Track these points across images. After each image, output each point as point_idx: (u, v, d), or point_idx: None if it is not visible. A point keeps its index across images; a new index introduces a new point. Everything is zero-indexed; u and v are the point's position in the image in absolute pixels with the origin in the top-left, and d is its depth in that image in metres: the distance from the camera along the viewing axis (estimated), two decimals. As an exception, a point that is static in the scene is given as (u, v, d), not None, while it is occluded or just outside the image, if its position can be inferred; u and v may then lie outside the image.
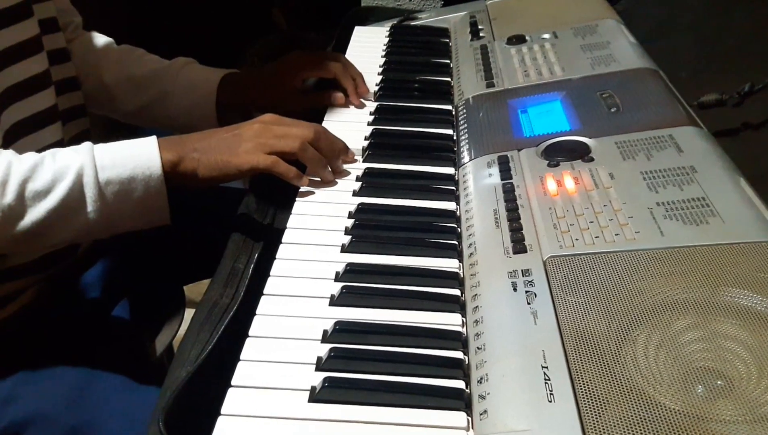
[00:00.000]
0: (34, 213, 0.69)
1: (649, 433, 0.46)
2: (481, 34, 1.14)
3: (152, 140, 0.74)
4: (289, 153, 0.77)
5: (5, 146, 0.77)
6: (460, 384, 0.55)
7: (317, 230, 0.73)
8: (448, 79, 1.06)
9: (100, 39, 1.03)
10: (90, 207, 0.70)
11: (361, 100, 0.99)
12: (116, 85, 1.00)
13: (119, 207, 0.72)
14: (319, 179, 0.80)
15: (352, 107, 0.98)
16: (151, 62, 1.02)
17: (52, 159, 0.70)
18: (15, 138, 0.79)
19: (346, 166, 0.83)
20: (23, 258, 0.82)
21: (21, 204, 0.68)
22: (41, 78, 0.83)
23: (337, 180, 0.81)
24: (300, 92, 0.99)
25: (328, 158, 0.81)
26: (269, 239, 0.76)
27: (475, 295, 0.63)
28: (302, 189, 0.79)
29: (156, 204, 0.73)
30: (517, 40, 1.07)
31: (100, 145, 0.73)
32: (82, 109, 0.93)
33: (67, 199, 0.69)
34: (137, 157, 0.72)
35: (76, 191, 0.69)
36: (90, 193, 0.70)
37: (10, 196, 0.67)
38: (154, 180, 0.72)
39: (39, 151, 0.80)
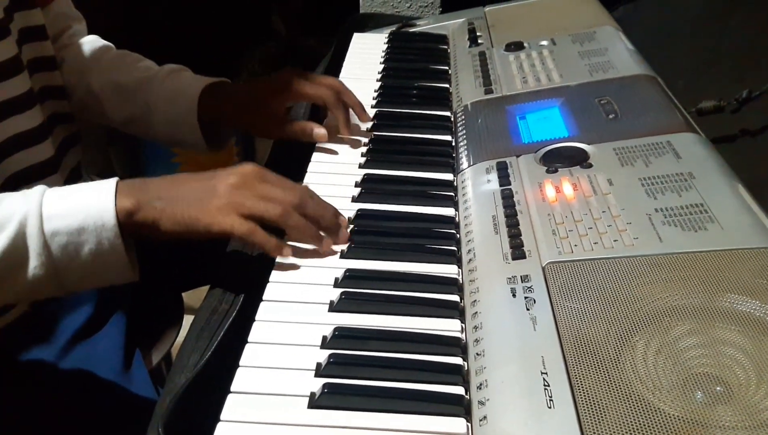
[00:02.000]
0: None
1: (649, 439, 0.46)
2: (479, 41, 1.14)
3: (110, 185, 0.65)
4: (269, 220, 0.67)
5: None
6: (459, 390, 0.55)
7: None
8: (447, 85, 1.06)
9: (97, 44, 0.99)
10: (34, 262, 0.62)
11: (359, 126, 0.91)
12: (103, 93, 0.95)
13: (68, 263, 0.63)
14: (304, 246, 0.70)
15: (350, 113, 0.97)
16: (140, 70, 0.95)
17: None
18: (6, 154, 0.78)
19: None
20: None
21: None
22: (25, 96, 0.80)
23: (324, 250, 0.70)
24: (281, 118, 0.89)
25: (315, 226, 0.70)
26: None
27: (475, 301, 0.63)
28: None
29: (112, 258, 0.64)
30: (516, 46, 1.08)
31: (54, 190, 0.65)
32: (68, 117, 0.91)
33: (8, 251, 0.62)
34: (90, 205, 0.63)
35: (18, 243, 0.62)
36: (33, 245, 0.62)
37: None
38: (107, 231, 0.63)
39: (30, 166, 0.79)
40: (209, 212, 0.65)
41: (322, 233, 0.70)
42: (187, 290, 1.11)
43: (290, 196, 0.68)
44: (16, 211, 0.63)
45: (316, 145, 0.88)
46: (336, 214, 0.72)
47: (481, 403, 0.53)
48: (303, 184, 0.72)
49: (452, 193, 0.80)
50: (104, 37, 1.02)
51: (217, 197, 0.66)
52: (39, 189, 0.65)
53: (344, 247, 0.71)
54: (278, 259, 0.69)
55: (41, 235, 0.62)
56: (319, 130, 0.87)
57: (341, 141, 0.90)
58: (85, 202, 0.64)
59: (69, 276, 0.64)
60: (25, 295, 0.66)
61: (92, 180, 0.97)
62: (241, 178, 0.68)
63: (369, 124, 0.94)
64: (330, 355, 0.58)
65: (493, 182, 0.77)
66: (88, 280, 0.66)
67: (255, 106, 0.89)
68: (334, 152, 0.88)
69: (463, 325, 0.62)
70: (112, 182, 0.66)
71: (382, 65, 1.11)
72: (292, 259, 0.69)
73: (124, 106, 0.94)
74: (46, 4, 0.91)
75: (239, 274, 0.72)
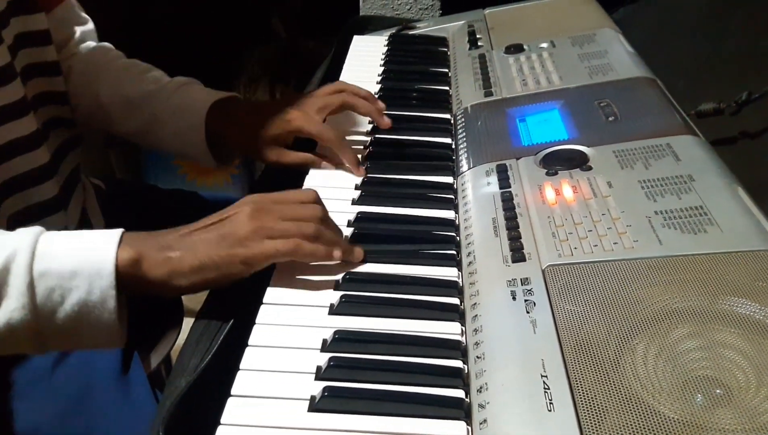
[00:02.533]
0: None
1: (649, 442, 0.46)
2: (479, 44, 1.14)
3: (115, 232, 0.60)
4: (310, 235, 0.64)
5: None
6: (459, 393, 0.55)
7: (316, 239, 0.73)
8: (447, 88, 1.07)
9: (105, 53, 0.98)
10: (13, 302, 0.55)
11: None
12: (111, 105, 0.93)
13: (51, 310, 0.56)
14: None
15: (350, 115, 0.97)
16: (149, 82, 0.94)
17: None
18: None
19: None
20: None
21: None
22: (20, 103, 0.80)
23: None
24: (283, 147, 0.86)
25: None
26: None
27: (475, 303, 0.63)
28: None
29: (99, 314, 0.58)
30: (515, 49, 1.08)
31: (54, 232, 0.60)
32: (65, 121, 0.90)
33: None
34: (88, 249, 0.58)
35: (0, 278, 0.56)
36: (17, 282, 0.55)
37: None
38: (102, 279, 0.57)
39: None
40: (241, 245, 0.61)
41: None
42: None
43: (314, 211, 0.67)
44: (7, 244, 0.57)
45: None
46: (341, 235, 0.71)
47: (481, 406, 0.53)
48: (305, 192, 0.70)
49: (452, 196, 0.80)
50: (104, 38, 1.02)
51: (241, 229, 0.62)
52: (37, 228, 0.60)
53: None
54: (277, 263, 0.69)
55: (29, 273, 0.56)
56: (323, 162, 0.85)
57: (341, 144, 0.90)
58: (85, 246, 0.59)
59: (49, 328, 0.57)
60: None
61: (90, 182, 0.98)
62: (254, 205, 0.64)
63: (370, 126, 0.94)
64: (330, 359, 0.58)
65: (492, 185, 0.77)
66: (70, 338, 0.59)
67: (262, 131, 0.86)
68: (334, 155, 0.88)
69: (463, 328, 0.62)
70: (117, 231, 0.61)
71: (382, 67, 1.11)
72: (291, 261, 0.69)
73: (132, 119, 0.93)
74: (50, 8, 0.90)
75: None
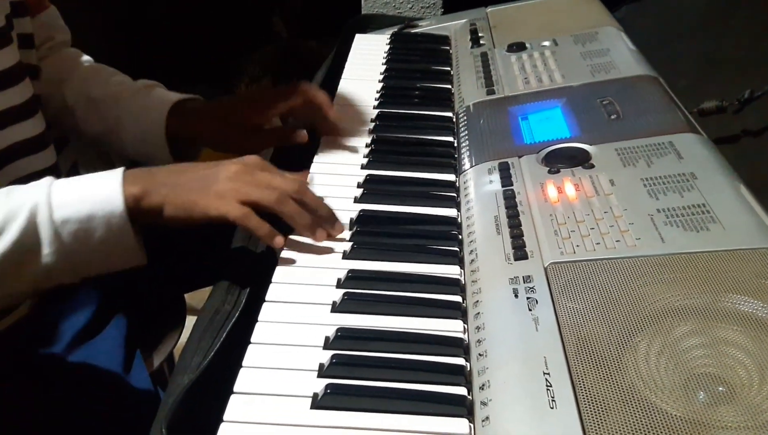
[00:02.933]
0: None
1: (651, 439, 0.46)
2: (481, 42, 1.14)
3: (117, 173, 0.67)
4: (265, 205, 0.68)
5: None
6: (461, 390, 0.55)
7: (319, 237, 0.73)
8: (449, 86, 1.07)
9: (76, 57, 0.98)
10: (46, 249, 0.64)
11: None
12: (76, 106, 0.93)
13: (79, 248, 0.65)
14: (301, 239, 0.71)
15: (352, 114, 0.97)
16: (113, 84, 0.94)
17: (6, 197, 0.65)
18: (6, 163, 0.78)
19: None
20: None
21: None
22: (33, 102, 0.80)
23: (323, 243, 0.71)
24: (254, 132, 0.89)
25: (312, 215, 0.71)
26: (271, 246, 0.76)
27: (477, 301, 0.63)
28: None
29: (122, 243, 0.66)
30: (518, 47, 1.08)
31: (61, 181, 0.67)
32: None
33: (20, 241, 0.63)
34: (98, 193, 0.65)
35: (30, 232, 0.63)
36: (45, 233, 0.64)
37: None
38: (116, 217, 0.65)
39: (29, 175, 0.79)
40: (208, 197, 0.67)
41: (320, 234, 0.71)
42: (189, 292, 1.11)
43: (288, 184, 0.70)
44: (25, 201, 0.64)
45: (319, 146, 0.89)
46: (333, 215, 0.73)
47: (483, 403, 0.53)
48: (303, 179, 0.73)
49: (454, 194, 0.80)
50: (103, 38, 1.02)
51: (216, 183, 0.68)
52: (47, 180, 0.67)
53: (346, 247, 0.71)
54: (281, 259, 0.69)
55: (51, 224, 0.64)
56: (299, 131, 0.87)
57: (343, 142, 0.90)
58: (94, 190, 0.66)
59: (81, 261, 0.66)
60: (39, 283, 0.67)
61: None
62: (242, 166, 0.70)
63: (372, 125, 0.94)
64: (332, 356, 0.58)
65: (495, 183, 0.77)
66: (100, 264, 0.68)
67: (232, 118, 0.89)
68: (336, 153, 0.88)
69: (466, 326, 0.62)
70: (118, 171, 0.67)
71: (384, 66, 1.11)
72: (294, 259, 0.69)
73: (95, 120, 0.93)
74: (37, 13, 0.90)
75: (242, 275, 0.72)
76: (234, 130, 0.89)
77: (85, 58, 0.99)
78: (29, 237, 0.64)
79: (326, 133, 0.91)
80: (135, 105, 0.91)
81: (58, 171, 0.85)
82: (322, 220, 0.72)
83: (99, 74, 0.96)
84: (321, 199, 0.73)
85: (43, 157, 0.83)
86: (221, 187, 0.68)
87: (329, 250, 0.71)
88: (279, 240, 0.68)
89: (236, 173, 0.69)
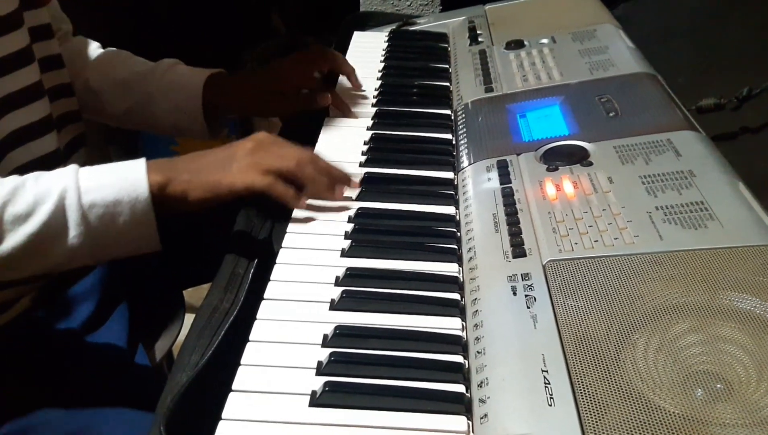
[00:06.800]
0: (14, 238, 0.66)
1: (649, 436, 0.47)
2: (479, 39, 1.14)
3: (140, 162, 0.71)
4: (286, 172, 0.74)
5: (1, 156, 0.76)
6: (460, 388, 0.56)
7: (317, 235, 0.73)
8: (447, 84, 1.06)
9: (87, 44, 1.02)
10: (73, 231, 0.67)
11: (355, 104, 0.98)
12: (102, 89, 0.99)
13: (104, 232, 0.68)
14: (318, 202, 0.77)
15: (352, 110, 0.98)
16: (137, 65, 1.01)
17: (35, 182, 0.68)
18: (11, 148, 0.79)
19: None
20: None
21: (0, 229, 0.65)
22: (34, 88, 0.82)
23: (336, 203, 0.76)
24: (288, 96, 0.97)
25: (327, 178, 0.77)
26: (269, 244, 0.76)
27: (475, 299, 0.63)
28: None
29: (143, 229, 0.70)
30: (516, 45, 1.08)
31: (87, 168, 0.70)
32: (76, 115, 0.93)
33: (48, 223, 0.66)
34: (123, 179, 0.69)
35: (59, 215, 0.67)
36: (73, 216, 0.67)
37: None
38: (141, 203, 0.69)
39: (35, 160, 0.80)
40: (231, 174, 0.72)
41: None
42: (187, 288, 1.11)
43: (302, 153, 0.76)
44: (54, 185, 0.67)
45: (317, 144, 0.89)
46: (346, 175, 0.79)
47: (481, 401, 0.53)
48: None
49: (453, 192, 0.80)
50: (102, 33, 1.04)
51: (236, 161, 0.73)
52: (73, 167, 0.70)
53: (345, 245, 0.71)
54: (280, 257, 0.69)
55: (80, 207, 0.67)
56: (323, 94, 0.95)
57: (342, 139, 0.90)
58: (120, 176, 0.69)
59: (103, 244, 0.69)
60: (62, 264, 0.70)
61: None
62: (256, 142, 0.75)
63: (370, 122, 0.94)
64: (331, 354, 0.58)
65: (493, 180, 0.77)
66: (119, 248, 0.71)
67: (265, 86, 0.96)
68: (335, 151, 0.88)
69: (464, 323, 0.62)
70: (141, 161, 0.71)
71: (383, 64, 1.11)
72: (292, 257, 0.69)
73: (124, 99, 0.98)
74: (46, 3, 0.91)
75: (240, 272, 0.72)
76: (269, 96, 0.96)
77: (96, 44, 1.03)
78: (58, 219, 0.67)
79: (337, 106, 0.97)
80: (168, 79, 0.97)
81: (59, 156, 0.86)
82: (337, 180, 0.78)
83: (119, 57, 1.02)
84: (331, 164, 0.79)
85: (47, 141, 0.83)
86: (242, 163, 0.72)
87: (328, 246, 0.71)
88: (303, 202, 0.75)
89: (252, 149, 0.74)
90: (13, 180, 0.68)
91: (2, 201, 0.66)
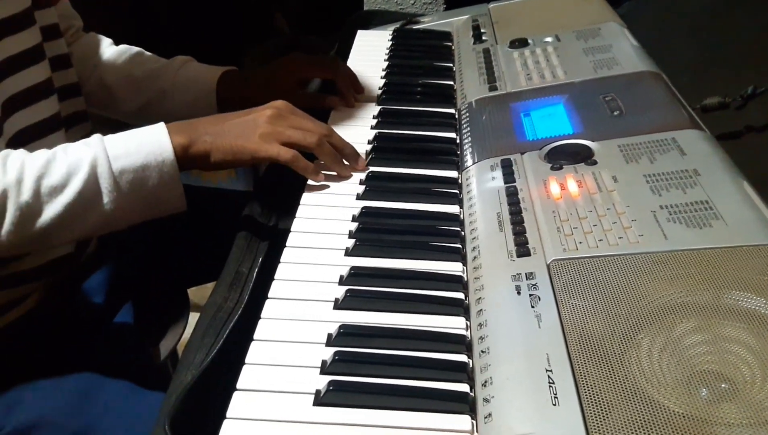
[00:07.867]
0: (52, 208, 0.69)
1: (654, 436, 0.46)
2: (483, 38, 1.14)
3: (161, 127, 0.74)
4: (306, 147, 0.77)
5: None
6: (464, 387, 0.56)
7: (321, 234, 0.73)
8: (451, 82, 1.06)
9: (99, 40, 1.03)
10: (106, 198, 0.70)
11: (358, 102, 0.99)
12: (117, 86, 1.00)
13: (135, 196, 0.72)
14: (333, 173, 0.81)
15: (355, 110, 0.98)
16: (150, 61, 1.03)
17: (64, 153, 0.70)
18: (19, 146, 0.79)
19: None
20: (26, 264, 0.82)
21: (38, 201, 0.68)
22: (44, 86, 0.83)
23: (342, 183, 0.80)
24: (297, 92, 1.00)
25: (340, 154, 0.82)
26: (273, 242, 0.76)
27: (479, 298, 0.63)
28: (306, 192, 0.79)
29: (171, 190, 0.73)
30: (520, 43, 1.08)
31: (110, 136, 0.73)
32: (84, 115, 0.94)
33: (83, 191, 0.69)
34: (148, 144, 0.72)
35: (92, 183, 0.69)
36: (105, 184, 0.70)
37: (26, 194, 0.67)
38: (168, 165, 0.72)
39: None
40: (254, 141, 0.75)
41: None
42: (191, 286, 1.11)
43: (320, 127, 0.80)
44: (84, 155, 0.70)
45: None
46: (356, 152, 0.83)
47: (486, 400, 0.53)
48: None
49: (457, 191, 0.80)
50: (103, 32, 1.04)
51: (258, 127, 0.76)
52: (97, 136, 0.73)
53: (349, 244, 0.71)
54: (284, 256, 0.69)
55: (111, 174, 0.70)
56: (332, 97, 0.98)
57: (346, 138, 0.90)
58: (144, 141, 0.72)
59: (134, 208, 0.72)
60: (94, 231, 0.75)
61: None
62: (276, 111, 0.78)
63: (374, 121, 0.94)
64: (335, 353, 0.58)
65: (497, 179, 0.77)
66: (149, 210, 0.74)
67: (276, 82, 0.99)
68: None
69: (468, 323, 0.62)
70: (161, 125, 0.74)
71: (387, 62, 1.11)
72: (297, 256, 0.69)
73: (138, 95, 1.00)
74: (55, 2, 0.92)
75: (244, 271, 0.72)
76: (278, 91, 0.96)
77: (108, 40, 1.05)
78: (92, 188, 0.70)
79: (348, 101, 0.99)
80: (182, 76, 1.00)
81: None
82: (347, 157, 0.82)
83: (131, 54, 1.03)
84: (344, 140, 0.83)
85: (55, 139, 0.84)
86: (263, 130, 0.76)
87: (332, 246, 0.71)
88: (322, 176, 0.79)
89: (273, 117, 0.77)
90: (44, 153, 0.70)
91: (37, 174, 0.68)
